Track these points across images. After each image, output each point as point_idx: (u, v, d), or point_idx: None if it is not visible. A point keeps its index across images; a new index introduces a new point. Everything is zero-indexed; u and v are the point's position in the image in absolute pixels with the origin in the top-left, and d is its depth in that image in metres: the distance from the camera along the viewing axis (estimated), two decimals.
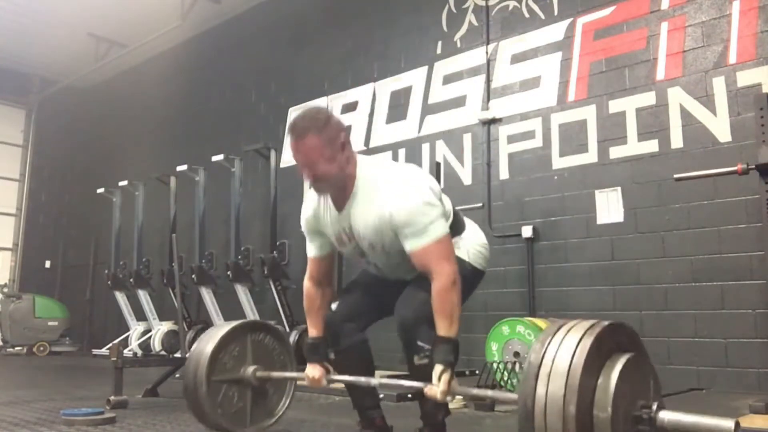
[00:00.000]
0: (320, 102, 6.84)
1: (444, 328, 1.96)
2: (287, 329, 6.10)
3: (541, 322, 3.67)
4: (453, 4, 5.78)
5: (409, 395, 3.55)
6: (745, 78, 4.04)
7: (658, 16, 4.51)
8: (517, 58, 5.27)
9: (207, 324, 6.92)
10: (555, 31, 5.03)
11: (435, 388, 1.91)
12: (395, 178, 2.09)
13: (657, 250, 4.20)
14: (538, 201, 4.90)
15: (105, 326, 9.16)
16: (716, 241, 4.00)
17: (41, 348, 8.37)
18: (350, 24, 6.77)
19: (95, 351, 8.03)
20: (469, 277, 2.20)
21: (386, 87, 6.23)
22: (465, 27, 5.66)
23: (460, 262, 2.10)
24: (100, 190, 8.46)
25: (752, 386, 3.71)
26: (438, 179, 4.99)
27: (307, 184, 2.21)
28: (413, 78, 6.00)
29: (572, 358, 1.51)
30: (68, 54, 9.57)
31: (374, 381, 2.19)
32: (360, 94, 6.45)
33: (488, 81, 5.38)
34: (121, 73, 9.93)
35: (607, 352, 1.57)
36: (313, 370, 2.30)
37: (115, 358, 3.31)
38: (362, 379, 2.20)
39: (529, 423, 1.51)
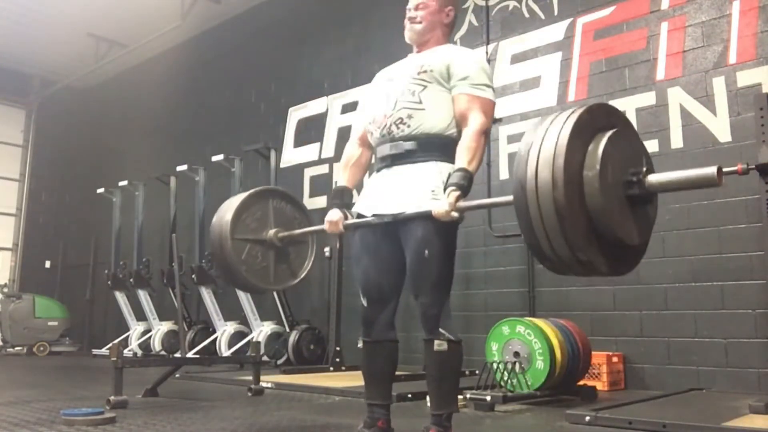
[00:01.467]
0: (320, 102, 6.85)
1: (465, 161, 2.16)
2: (287, 329, 6.10)
3: (541, 322, 3.67)
4: None
5: (409, 395, 3.56)
6: (745, 78, 4.05)
7: (658, 16, 4.51)
8: (517, 58, 5.27)
9: (207, 324, 6.94)
10: (555, 31, 5.03)
11: (444, 207, 2.07)
12: (474, 55, 2.41)
13: (657, 250, 4.19)
14: None
15: (105, 326, 9.16)
16: (716, 241, 4.00)
17: (41, 348, 8.37)
18: (350, 24, 6.76)
19: (95, 351, 8.02)
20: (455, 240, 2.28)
21: None
22: (465, 27, 5.65)
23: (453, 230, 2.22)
24: (100, 190, 8.46)
25: (752, 386, 3.72)
26: None
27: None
28: None
29: (562, 126, 1.63)
30: (68, 54, 9.56)
31: (387, 218, 2.22)
32: (360, 94, 6.44)
33: None
34: (121, 73, 9.93)
35: (598, 126, 1.68)
36: (332, 214, 2.39)
37: (115, 358, 3.31)
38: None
39: (522, 193, 1.64)
